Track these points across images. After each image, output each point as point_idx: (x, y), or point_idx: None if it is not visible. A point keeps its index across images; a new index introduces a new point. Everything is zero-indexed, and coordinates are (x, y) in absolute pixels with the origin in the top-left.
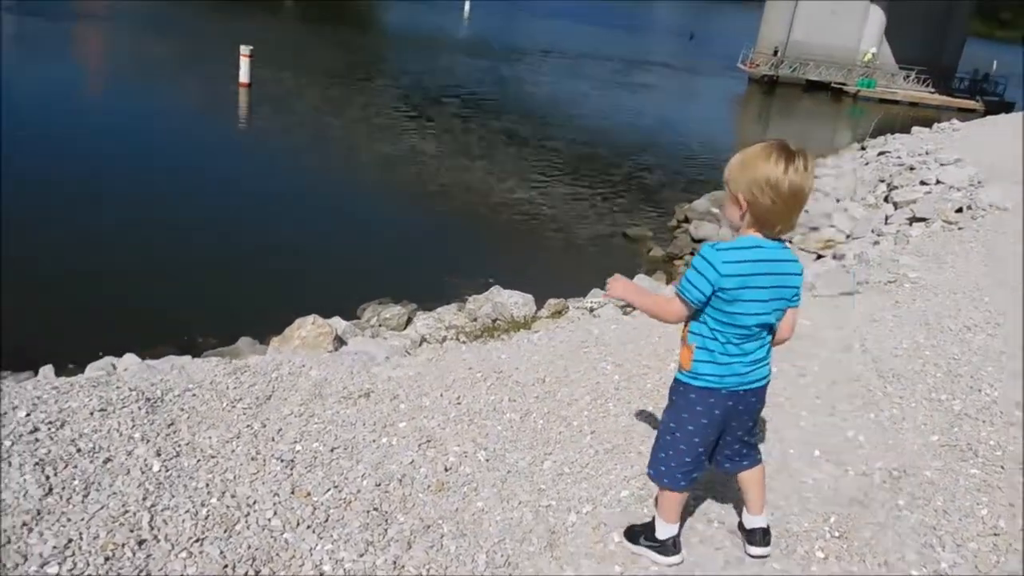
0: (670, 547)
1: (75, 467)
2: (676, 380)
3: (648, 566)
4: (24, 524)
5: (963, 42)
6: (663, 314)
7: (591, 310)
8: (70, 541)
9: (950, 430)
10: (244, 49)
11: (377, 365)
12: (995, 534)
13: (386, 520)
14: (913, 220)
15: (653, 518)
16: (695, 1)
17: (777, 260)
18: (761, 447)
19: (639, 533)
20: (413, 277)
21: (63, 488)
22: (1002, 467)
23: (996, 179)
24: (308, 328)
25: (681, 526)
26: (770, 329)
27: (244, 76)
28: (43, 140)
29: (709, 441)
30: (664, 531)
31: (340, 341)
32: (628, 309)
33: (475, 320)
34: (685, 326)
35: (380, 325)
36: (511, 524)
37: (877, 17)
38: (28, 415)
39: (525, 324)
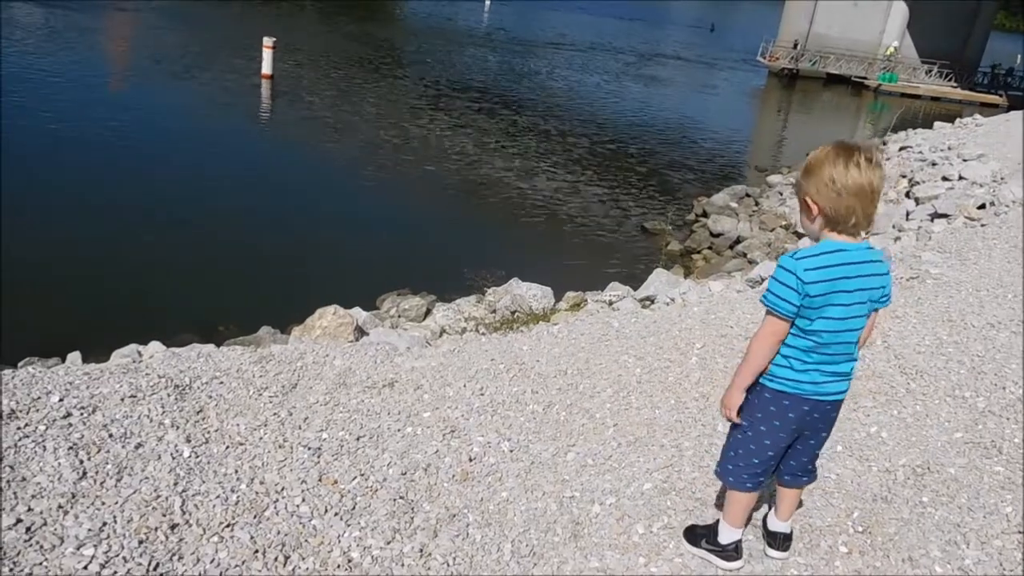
0: (732, 552)
1: (108, 452)
2: (756, 382)
3: (687, 564)
4: (59, 507)
5: (987, 36)
6: (763, 348)
7: (610, 303)
8: (104, 524)
9: (974, 427)
10: (267, 41)
11: (400, 355)
12: (1020, 532)
13: (412, 508)
14: (935, 216)
15: (717, 521)
16: None
17: (863, 262)
18: None
19: (701, 535)
20: (432, 268)
21: (96, 472)
22: None
23: (1020, 175)
24: (329, 318)
25: (744, 530)
26: (856, 337)
27: (267, 68)
28: (68, 130)
29: (780, 447)
30: (727, 535)
31: (361, 331)
32: (646, 303)
33: (494, 312)
34: None
35: (399, 316)
36: (535, 514)
37: (900, 11)
38: (61, 400)
39: (544, 316)
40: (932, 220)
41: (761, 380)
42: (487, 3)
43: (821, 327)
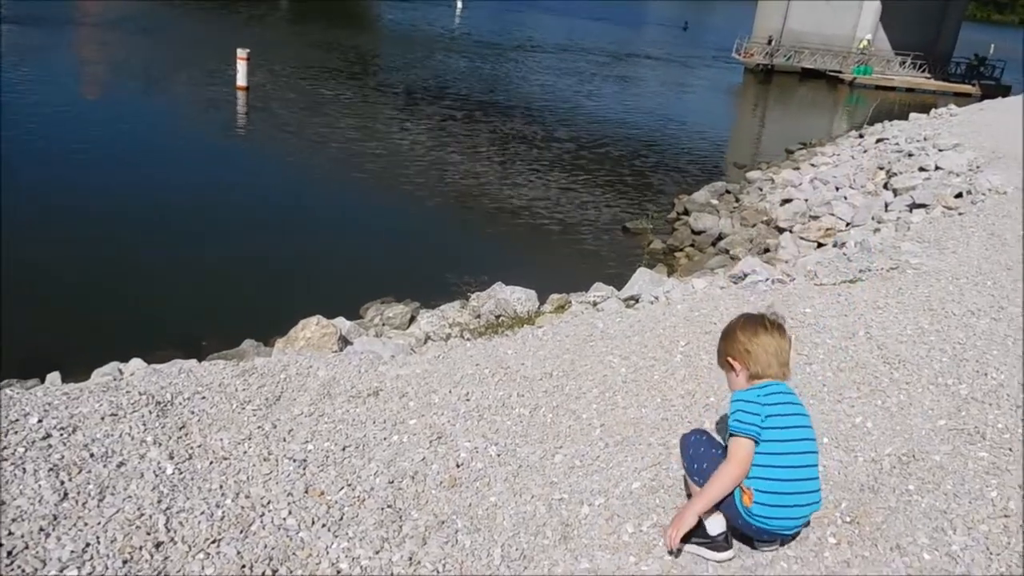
0: (722, 543)
1: (89, 472)
2: (736, 508)
3: (678, 562)
4: (41, 529)
5: (959, 27)
6: (735, 472)
7: (594, 304)
8: (87, 545)
9: (957, 414)
10: (241, 52)
11: (384, 364)
12: (1006, 516)
13: (400, 517)
14: (913, 206)
15: (699, 519)
16: None
17: (792, 396)
18: None
19: (689, 533)
20: (415, 275)
21: (78, 493)
22: (1010, 449)
23: (995, 163)
24: (312, 329)
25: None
26: (813, 465)
27: (242, 79)
28: (39, 146)
29: None
30: (715, 526)
31: (345, 341)
32: (631, 302)
33: (478, 317)
34: None
35: (384, 324)
36: (525, 518)
37: (872, 4)
38: (40, 421)
39: (529, 319)
40: (911, 210)
41: (744, 515)
42: (459, 6)
43: (780, 449)
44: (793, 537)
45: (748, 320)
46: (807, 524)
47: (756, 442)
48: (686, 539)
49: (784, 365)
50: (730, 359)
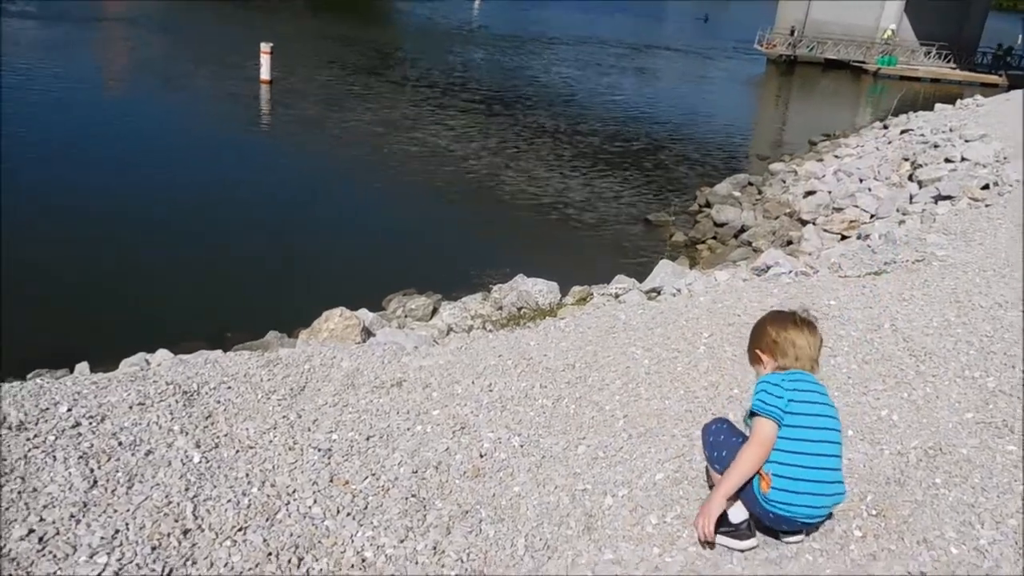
0: (745, 531)
1: (118, 460)
2: (757, 495)
3: (702, 553)
4: (71, 516)
5: (985, 16)
6: (758, 452)
7: (616, 296)
8: (117, 532)
9: (985, 407)
10: (264, 46)
11: (407, 355)
12: None
13: (424, 506)
14: (939, 198)
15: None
16: None
17: (819, 387)
18: None
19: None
20: (437, 268)
21: (107, 480)
22: None
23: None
24: (336, 320)
25: None
26: (837, 455)
27: (265, 73)
28: (70, 139)
29: None
30: (737, 514)
31: (368, 332)
32: (652, 294)
33: (500, 308)
34: None
35: (406, 316)
36: (548, 508)
37: None
38: (70, 410)
39: (551, 311)
40: (936, 202)
41: (761, 500)
42: (476, 2)
43: (802, 435)
44: (815, 528)
45: (778, 315)
46: (830, 516)
47: (779, 424)
48: None
49: (812, 360)
50: (758, 351)
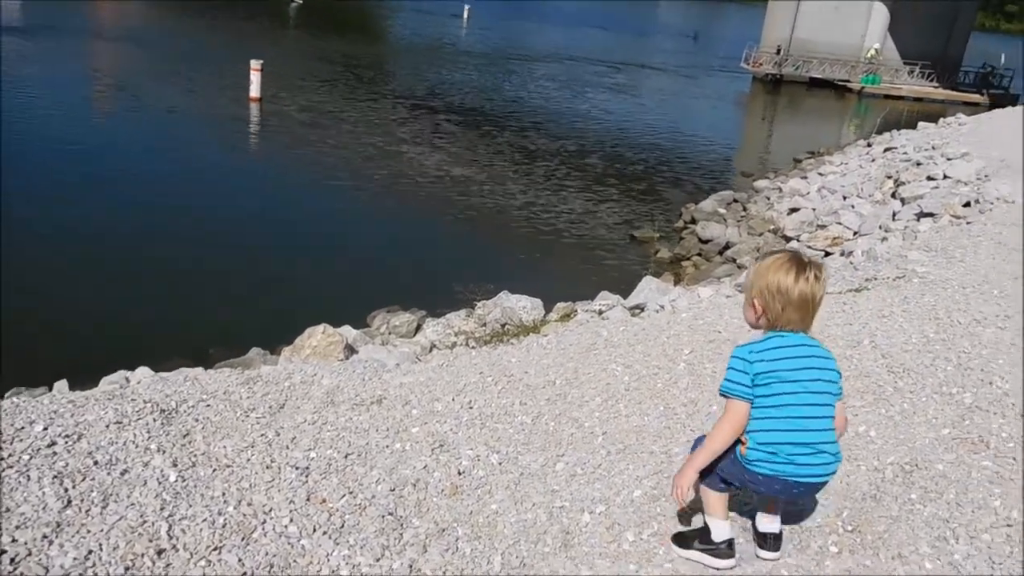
0: (725, 550)
1: (93, 479)
2: (737, 454)
3: (678, 569)
4: (44, 536)
5: (968, 36)
6: (728, 430)
7: (600, 312)
8: (90, 552)
9: (961, 423)
10: (254, 63)
11: (388, 372)
12: (1008, 525)
13: (401, 524)
14: (921, 215)
15: (705, 523)
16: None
17: (803, 345)
18: None
19: (692, 538)
20: (421, 284)
21: (82, 500)
22: (1014, 459)
23: (1003, 172)
24: (319, 337)
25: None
26: (823, 416)
27: (255, 90)
28: (54, 155)
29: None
30: (719, 533)
31: (351, 349)
32: (636, 311)
33: (484, 325)
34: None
35: (390, 333)
36: (525, 525)
37: (881, 13)
38: (45, 429)
39: (534, 328)
40: (918, 219)
41: (742, 461)
42: (464, 18)
43: (780, 403)
44: (815, 491)
45: (785, 260)
46: (824, 483)
47: (749, 401)
48: (687, 545)
49: (808, 315)
50: (756, 301)
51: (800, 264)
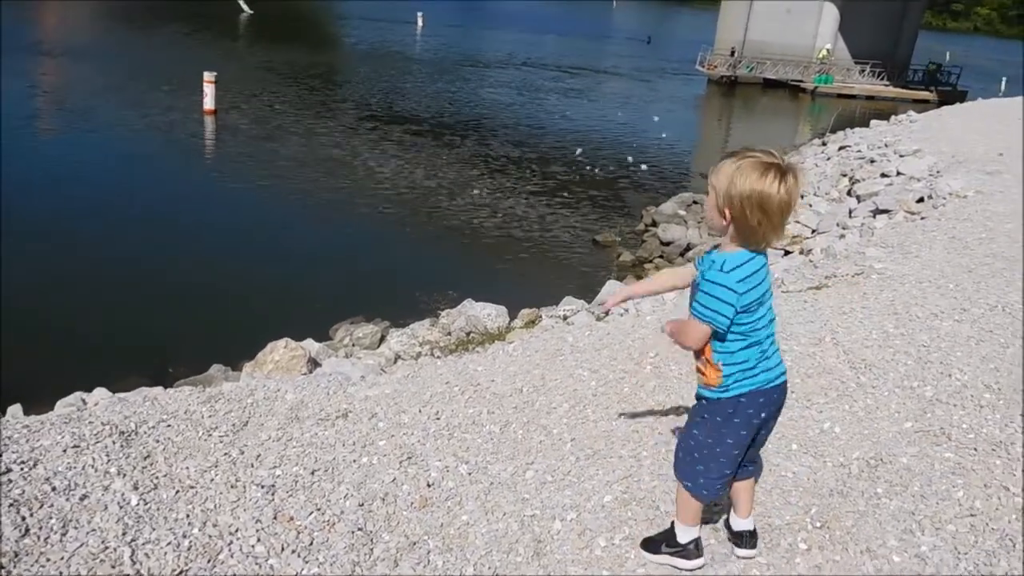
0: (693, 550)
1: (51, 506)
2: (706, 398)
3: (652, 571)
4: (1, 567)
5: (916, 35)
6: (687, 339)
7: (564, 318)
8: None
9: (923, 416)
10: (208, 75)
11: (353, 385)
12: (972, 515)
13: (371, 540)
14: (876, 212)
15: (672, 523)
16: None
17: (764, 266)
18: None
19: (659, 542)
20: (384, 295)
21: (40, 528)
22: (975, 449)
23: (955, 168)
24: (281, 352)
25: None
26: (774, 328)
27: (209, 103)
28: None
29: (745, 448)
30: (685, 535)
31: (314, 363)
32: (602, 315)
33: (449, 334)
34: (706, 347)
35: (353, 345)
36: (497, 535)
37: (831, 14)
38: None
39: (499, 335)
40: (874, 216)
41: (717, 395)
42: (419, 24)
43: (757, 327)
44: (783, 392)
45: (762, 164)
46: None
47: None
48: (656, 550)
49: (783, 227)
50: (727, 211)
51: (779, 169)
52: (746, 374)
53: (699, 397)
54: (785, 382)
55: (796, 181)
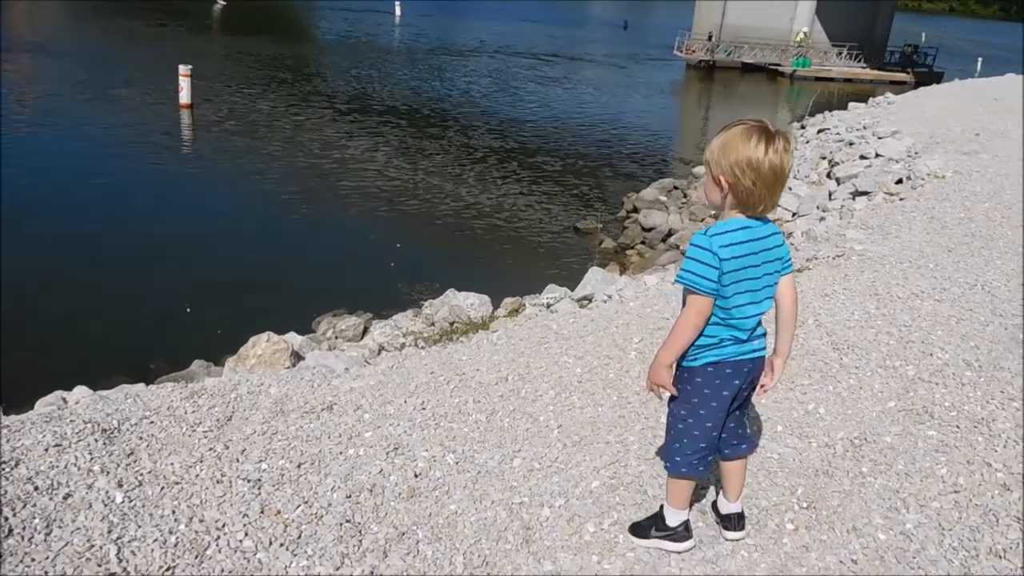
0: (683, 532)
1: (34, 506)
2: (679, 366)
3: (640, 558)
4: None
5: (892, 16)
6: (689, 327)
7: (548, 306)
8: None
9: (906, 395)
10: (183, 69)
11: (337, 377)
12: (955, 492)
13: (360, 531)
14: (856, 194)
15: (661, 507)
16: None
17: (764, 237)
18: None
19: (648, 527)
20: (366, 286)
21: (23, 528)
22: (957, 427)
23: (932, 149)
24: (263, 345)
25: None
26: (765, 308)
27: (185, 97)
28: None
29: (720, 422)
30: (674, 518)
31: (297, 356)
32: (584, 302)
33: (432, 325)
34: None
35: (336, 337)
36: (485, 524)
37: None
38: None
39: (483, 325)
40: (854, 198)
41: (687, 364)
42: (397, 14)
43: (738, 302)
44: (760, 365)
45: (760, 133)
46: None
47: (714, 296)
48: (645, 535)
49: (779, 191)
50: (723, 178)
51: (768, 133)
52: (712, 348)
53: (677, 368)
54: (760, 358)
55: (787, 145)
